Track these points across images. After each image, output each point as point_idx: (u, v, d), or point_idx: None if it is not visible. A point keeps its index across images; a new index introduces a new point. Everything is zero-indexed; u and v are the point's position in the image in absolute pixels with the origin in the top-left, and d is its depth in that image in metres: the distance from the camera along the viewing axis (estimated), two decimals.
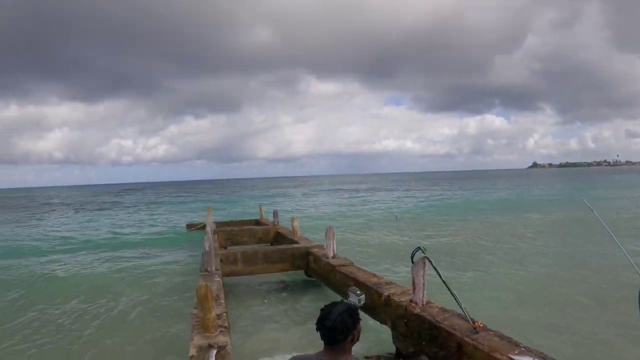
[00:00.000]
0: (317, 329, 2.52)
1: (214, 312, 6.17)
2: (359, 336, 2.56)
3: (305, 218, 32.73)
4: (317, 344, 2.50)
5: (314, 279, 12.65)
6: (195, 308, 7.28)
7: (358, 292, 3.26)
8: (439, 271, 6.51)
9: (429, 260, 6.76)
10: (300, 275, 13.38)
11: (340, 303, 2.60)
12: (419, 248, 6.71)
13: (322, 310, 2.55)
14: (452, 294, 6.22)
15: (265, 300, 11.45)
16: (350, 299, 3.17)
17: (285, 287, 12.78)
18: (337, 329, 2.42)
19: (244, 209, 45.79)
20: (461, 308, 6.12)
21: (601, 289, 11.44)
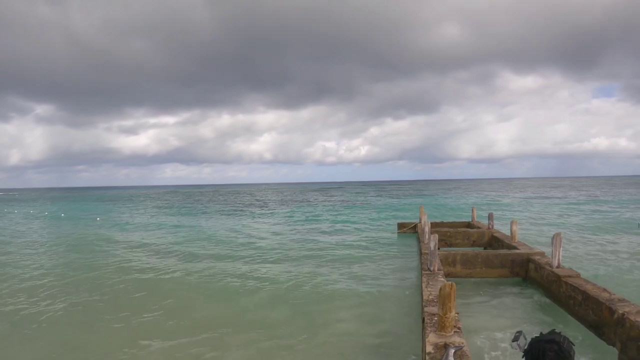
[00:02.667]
0: None
1: (453, 312, 6.46)
2: None
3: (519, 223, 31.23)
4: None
5: (532, 287, 12.34)
6: (426, 306, 7.77)
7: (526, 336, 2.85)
8: None
9: None
10: (517, 282, 13.13)
11: (545, 341, 2.48)
12: None
13: (533, 348, 2.49)
14: None
15: (487, 305, 11.43)
16: (520, 341, 2.84)
17: (503, 293, 12.52)
18: None
19: (452, 211, 45.53)
20: None
21: None
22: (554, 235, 11.17)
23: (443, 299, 6.38)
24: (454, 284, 6.56)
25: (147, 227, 35.54)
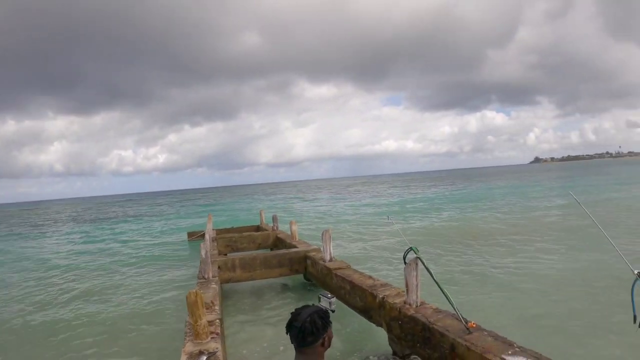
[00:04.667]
0: (287, 331, 2.51)
1: (204, 319, 6.19)
2: (330, 342, 2.53)
3: (306, 222, 32.80)
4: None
5: (312, 282, 12.64)
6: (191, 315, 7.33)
7: (329, 295, 3.16)
8: (431, 271, 6.49)
9: (421, 261, 6.74)
10: (299, 279, 13.37)
11: (310, 306, 2.61)
12: (410, 248, 6.70)
13: (292, 313, 2.55)
14: (444, 293, 6.19)
15: (264, 306, 11.38)
16: (321, 302, 3.09)
17: (283, 291, 12.79)
18: (306, 329, 2.41)
19: (246, 215, 45.84)
20: (454, 308, 6.11)
21: (594, 286, 11.22)
22: (323, 231, 11.53)
23: (191, 307, 6.10)
24: (198, 291, 6.24)
25: None
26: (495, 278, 13.05)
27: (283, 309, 10.95)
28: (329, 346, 2.53)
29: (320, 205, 52.84)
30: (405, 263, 6.94)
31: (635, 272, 2.56)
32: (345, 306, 9.79)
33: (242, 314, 10.73)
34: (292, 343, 2.49)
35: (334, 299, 3.12)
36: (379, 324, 8.11)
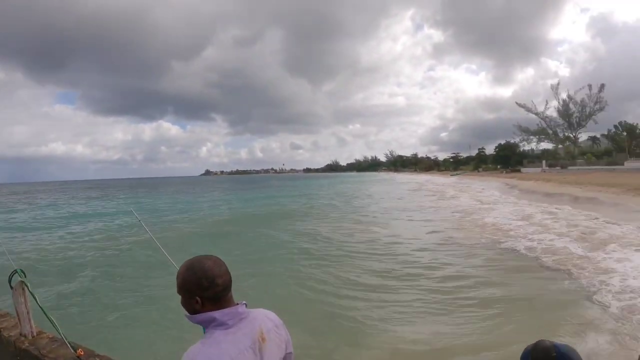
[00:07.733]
0: None
1: None
2: None
3: None
4: None
5: None
6: None
7: None
8: (36, 296, 5.70)
9: (26, 285, 5.88)
10: None
11: None
12: (16, 271, 5.79)
13: None
14: (50, 320, 5.47)
15: None
16: None
17: None
18: None
19: None
20: (62, 336, 5.42)
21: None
22: None
23: None
24: None
25: None
26: (100, 297, 12.67)
27: None
28: None
29: None
30: (11, 288, 5.98)
31: None
32: None
33: None
34: None
35: None
36: None
